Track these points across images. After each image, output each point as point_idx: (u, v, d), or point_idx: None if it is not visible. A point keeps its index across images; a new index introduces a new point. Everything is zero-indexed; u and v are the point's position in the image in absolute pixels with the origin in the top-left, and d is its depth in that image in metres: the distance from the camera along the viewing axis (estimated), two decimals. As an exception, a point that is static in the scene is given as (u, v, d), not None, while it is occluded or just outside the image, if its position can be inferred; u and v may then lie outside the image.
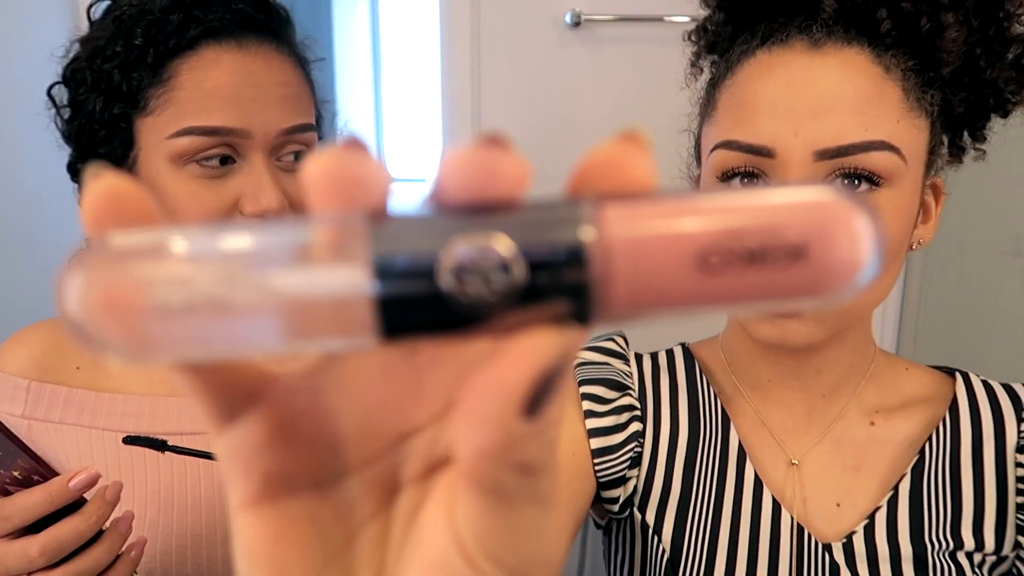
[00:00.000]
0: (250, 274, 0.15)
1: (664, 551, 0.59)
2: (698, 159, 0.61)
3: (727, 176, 0.53)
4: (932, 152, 0.56)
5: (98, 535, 0.53)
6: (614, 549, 0.66)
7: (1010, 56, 0.55)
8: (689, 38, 0.63)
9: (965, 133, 0.58)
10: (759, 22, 0.57)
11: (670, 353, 0.68)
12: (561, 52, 1.16)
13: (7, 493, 0.52)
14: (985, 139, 0.59)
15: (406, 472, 0.21)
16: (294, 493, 0.20)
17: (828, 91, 0.51)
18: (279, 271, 0.15)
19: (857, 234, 0.16)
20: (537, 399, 0.15)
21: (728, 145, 0.53)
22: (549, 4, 1.15)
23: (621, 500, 0.61)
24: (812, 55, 0.52)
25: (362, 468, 0.21)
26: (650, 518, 0.60)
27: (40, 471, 0.52)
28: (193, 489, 0.66)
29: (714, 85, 0.59)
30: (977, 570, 0.55)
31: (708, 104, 0.59)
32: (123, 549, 0.55)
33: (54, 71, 0.64)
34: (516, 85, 1.18)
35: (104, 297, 0.15)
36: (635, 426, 0.62)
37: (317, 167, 0.16)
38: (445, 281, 0.15)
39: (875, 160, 0.50)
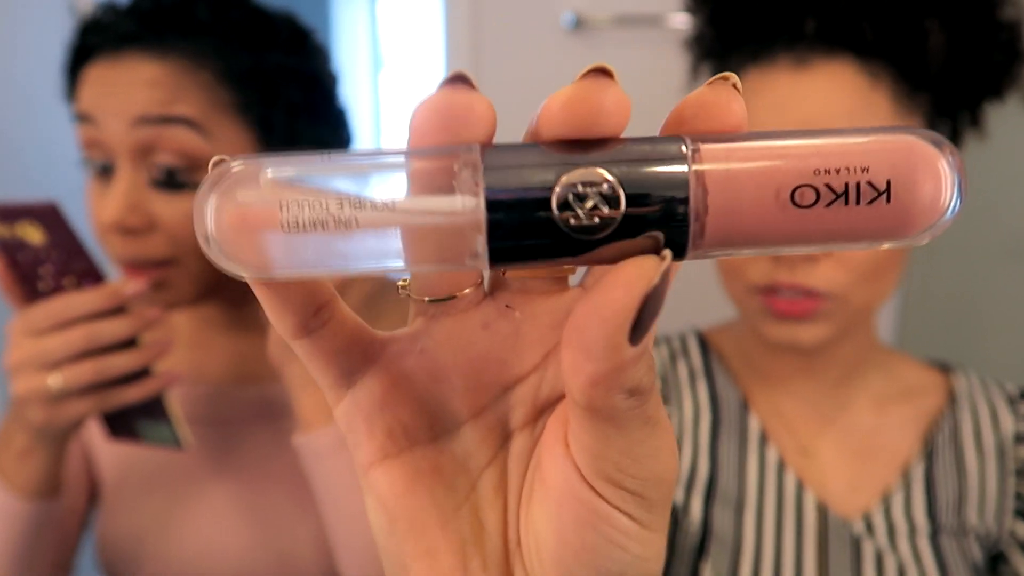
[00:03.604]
0: (374, 196, 0.16)
1: (694, 530, 0.60)
2: None
3: None
4: None
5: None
6: None
7: (1001, 40, 0.55)
8: (686, 47, 0.64)
9: (965, 119, 0.59)
10: (746, 41, 0.57)
11: (683, 339, 0.69)
12: (562, 53, 1.16)
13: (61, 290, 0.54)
14: (982, 124, 0.59)
15: (515, 419, 0.22)
16: (415, 446, 0.22)
17: (815, 109, 0.52)
18: (401, 196, 0.16)
19: (941, 175, 0.16)
20: (641, 323, 0.16)
21: None
22: (550, 5, 1.15)
23: None
24: (798, 73, 0.53)
25: (474, 419, 0.22)
26: (679, 498, 0.61)
27: (95, 278, 0.54)
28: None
29: None
30: (980, 551, 0.58)
31: None
32: (156, 369, 0.56)
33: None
34: (517, 86, 1.18)
35: (238, 216, 0.16)
36: None
37: (426, 105, 0.16)
38: (554, 211, 0.16)
39: None
